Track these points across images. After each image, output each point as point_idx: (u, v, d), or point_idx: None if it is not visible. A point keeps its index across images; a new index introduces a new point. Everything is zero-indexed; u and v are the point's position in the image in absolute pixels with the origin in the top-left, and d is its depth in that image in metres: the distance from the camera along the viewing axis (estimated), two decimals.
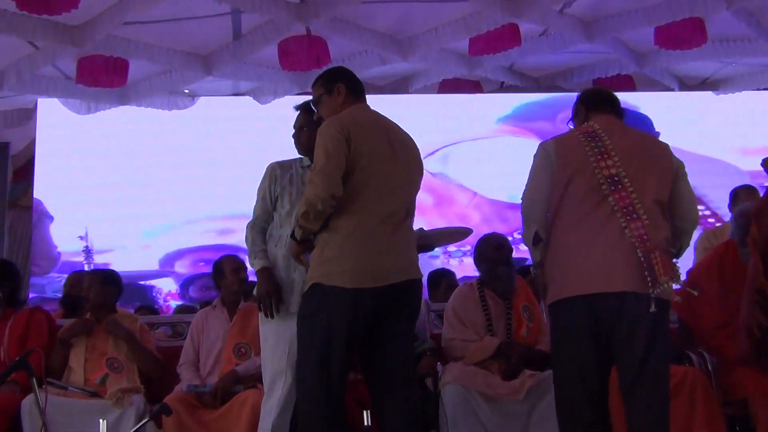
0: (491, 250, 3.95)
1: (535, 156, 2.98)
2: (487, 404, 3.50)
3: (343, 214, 2.77)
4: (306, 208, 2.73)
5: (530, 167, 2.97)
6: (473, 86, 8.46)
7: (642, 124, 8.00)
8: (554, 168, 2.89)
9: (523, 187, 2.96)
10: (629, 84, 8.37)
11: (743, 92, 8.49)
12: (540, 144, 3.03)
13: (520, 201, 2.97)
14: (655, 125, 8.18)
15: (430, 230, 3.51)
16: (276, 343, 3.06)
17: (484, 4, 6.47)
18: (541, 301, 4.28)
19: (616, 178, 2.83)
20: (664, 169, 2.93)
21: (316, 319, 2.76)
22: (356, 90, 3.00)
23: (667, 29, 6.79)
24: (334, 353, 2.74)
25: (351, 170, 2.77)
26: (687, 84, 8.67)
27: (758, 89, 8.42)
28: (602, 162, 2.84)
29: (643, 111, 8.34)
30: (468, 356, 3.72)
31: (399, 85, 8.38)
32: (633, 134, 3.02)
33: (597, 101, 3.10)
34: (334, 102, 2.95)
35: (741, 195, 5.00)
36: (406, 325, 2.91)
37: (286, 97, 7.83)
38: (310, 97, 3.17)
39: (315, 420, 2.76)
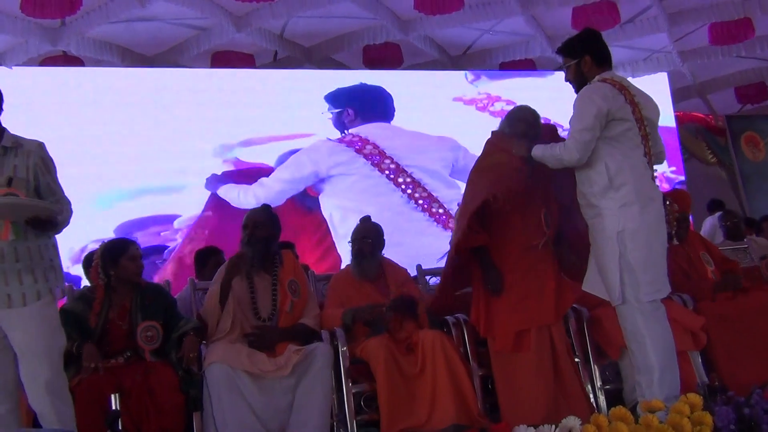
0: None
1: None
2: (253, 383, 3.45)
3: None
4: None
5: None
6: (246, 59, 8.23)
7: None
8: None
9: None
10: (397, 53, 8.55)
11: None
12: None
13: None
14: None
15: None
16: None
17: None
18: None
19: None
20: None
21: None
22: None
23: None
24: None
25: None
26: (449, 53, 9.05)
27: (514, 60, 8.98)
28: None
29: None
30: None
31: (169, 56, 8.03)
32: None
33: None
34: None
35: None
36: None
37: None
38: None
39: None
